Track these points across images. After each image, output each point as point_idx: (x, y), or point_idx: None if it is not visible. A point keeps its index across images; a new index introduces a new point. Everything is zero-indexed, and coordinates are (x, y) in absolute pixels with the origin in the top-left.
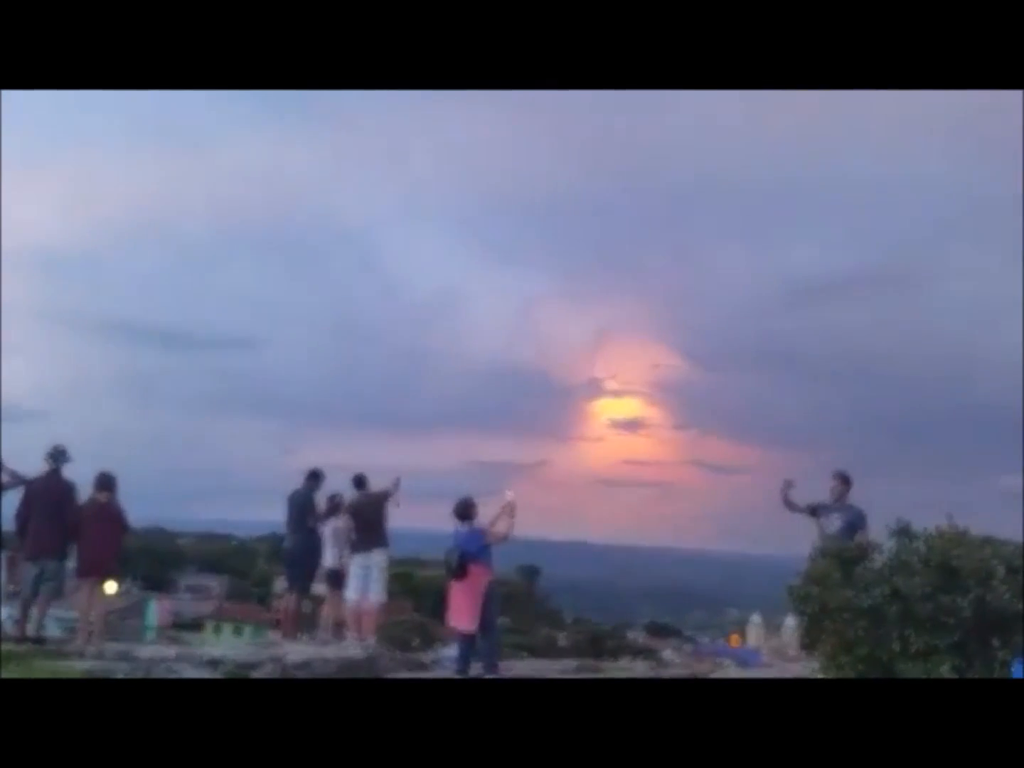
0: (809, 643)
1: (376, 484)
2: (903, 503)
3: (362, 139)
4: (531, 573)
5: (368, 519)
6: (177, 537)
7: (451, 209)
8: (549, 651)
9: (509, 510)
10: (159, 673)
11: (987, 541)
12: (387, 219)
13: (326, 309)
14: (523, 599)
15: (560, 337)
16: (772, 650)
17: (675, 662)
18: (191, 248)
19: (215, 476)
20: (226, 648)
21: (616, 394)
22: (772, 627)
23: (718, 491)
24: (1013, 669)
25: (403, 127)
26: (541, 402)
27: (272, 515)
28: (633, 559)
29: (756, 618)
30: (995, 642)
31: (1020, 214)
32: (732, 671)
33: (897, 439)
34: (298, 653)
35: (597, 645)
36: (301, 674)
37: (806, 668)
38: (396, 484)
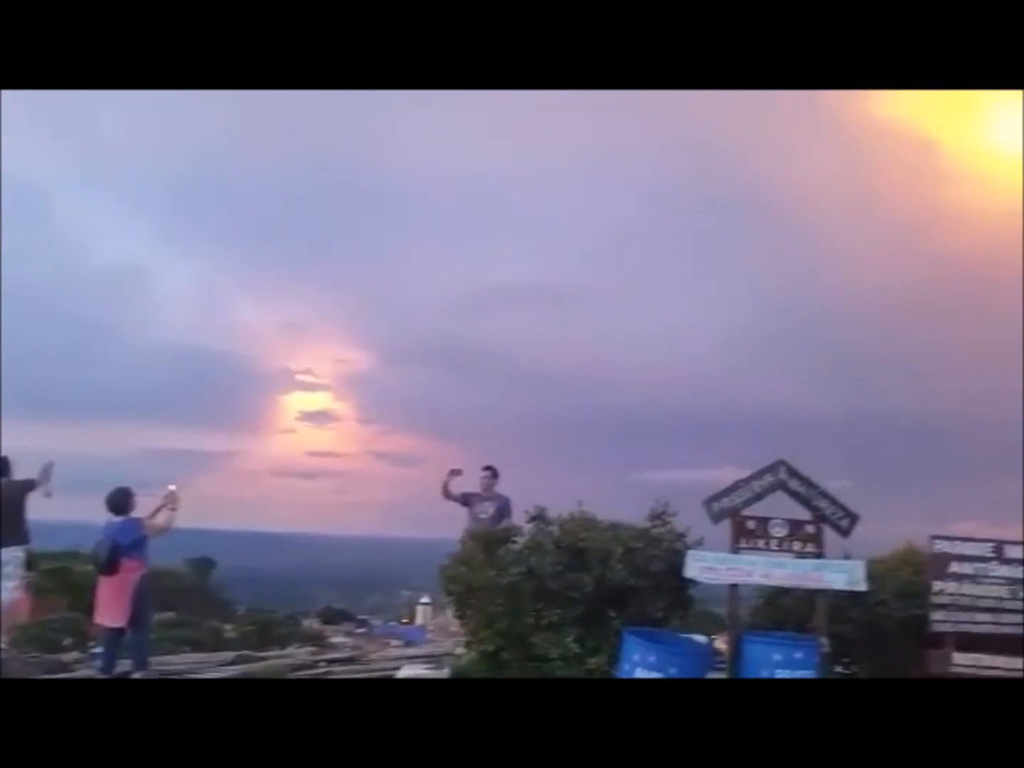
0: (459, 619)
1: (26, 472)
2: (551, 493)
3: (40, 103)
4: (203, 565)
5: (6, 511)
6: None
7: (136, 186)
8: (215, 643)
9: (171, 501)
10: None
11: (613, 526)
12: (64, 184)
13: None
14: (192, 592)
15: (250, 327)
16: (437, 627)
17: (346, 644)
18: None
19: None
20: None
21: (307, 387)
22: (440, 606)
23: (394, 481)
24: (625, 638)
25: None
26: (229, 392)
27: None
28: (313, 547)
29: (425, 599)
30: (612, 613)
31: (673, 227)
32: (395, 650)
33: (550, 436)
34: None
35: (266, 634)
36: None
37: (460, 643)
38: (46, 472)
